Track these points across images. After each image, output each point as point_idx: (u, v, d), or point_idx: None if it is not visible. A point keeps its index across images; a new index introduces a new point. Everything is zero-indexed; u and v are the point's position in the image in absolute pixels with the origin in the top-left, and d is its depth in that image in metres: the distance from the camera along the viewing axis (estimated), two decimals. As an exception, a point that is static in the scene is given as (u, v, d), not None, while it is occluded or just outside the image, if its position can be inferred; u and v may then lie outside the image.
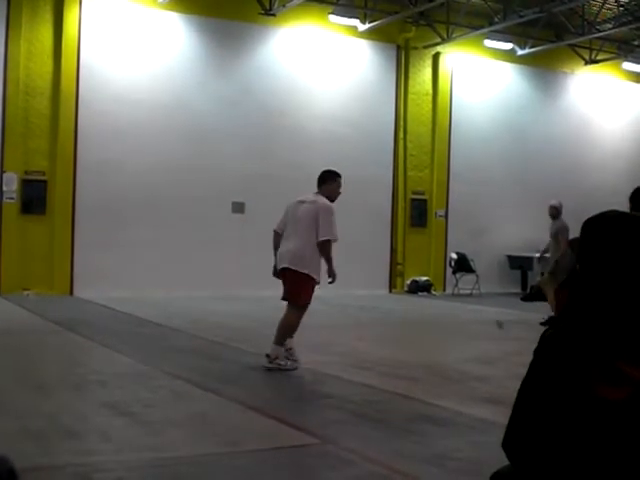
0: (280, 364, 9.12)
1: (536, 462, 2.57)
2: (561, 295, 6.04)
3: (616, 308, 2.58)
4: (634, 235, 2.67)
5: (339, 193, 9.58)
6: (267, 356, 9.20)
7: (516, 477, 2.65)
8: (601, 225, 2.75)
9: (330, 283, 9.27)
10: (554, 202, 15.29)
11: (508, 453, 2.68)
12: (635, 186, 7.05)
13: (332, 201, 9.44)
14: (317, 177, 9.62)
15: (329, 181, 9.52)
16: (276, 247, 9.47)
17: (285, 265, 9.25)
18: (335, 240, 9.25)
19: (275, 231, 9.56)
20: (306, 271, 9.15)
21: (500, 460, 2.74)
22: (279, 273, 9.42)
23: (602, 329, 2.54)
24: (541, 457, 2.56)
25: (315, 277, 9.24)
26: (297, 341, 9.40)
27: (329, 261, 9.27)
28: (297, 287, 9.26)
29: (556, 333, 2.65)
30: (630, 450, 2.42)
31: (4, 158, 17.34)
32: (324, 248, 9.18)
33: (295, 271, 9.18)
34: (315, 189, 9.47)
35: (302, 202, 9.45)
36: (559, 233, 14.77)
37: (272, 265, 9.56)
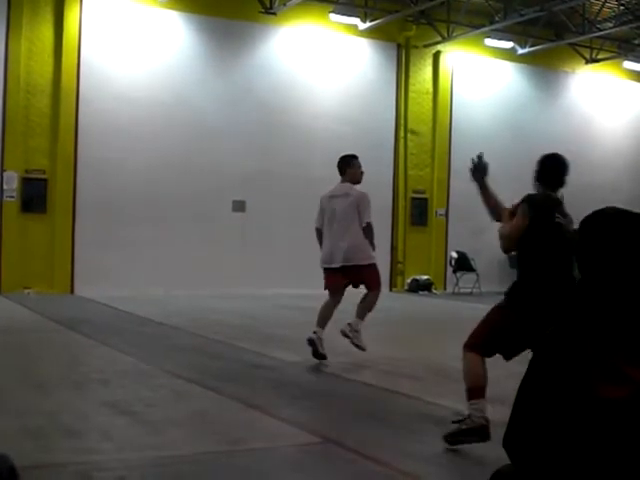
0: (356, 338, 9.52)
1: (537, 461, 2.57)
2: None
3: (616, 307, 2.58)
4: (633, 232, 2.67)
5: (362, 173, 10.14)
6: (349, 324, 9.61)
7: (517, 476, 2.65)
8: (600, 222, 2.74)
9: None
10: None
11: (509, 452, 2.68)
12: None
13: (358, 182, 10.04)
14: (336, 166, 10.15)
15: (348, 167, 10.03)
16: (321, 242, 10.00)
17: (348, 263, 9.68)
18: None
19: (317, 228, 10.09)
20: (369, 261, 9.74)
21: (501, 459, 2.74)
22: (333, 269, 9.77)
23: (603, 329, 2.54)
24: (542, 456, 2.56)
25: (374, 260, 9.85)
26: (295, 339, 9.38)
27: (372, 243, 9.77)
28: (370, 277, 9.81)
29: (556, 332, 2.65)
30: (630, 449, 2.42)
31: (4, 156, 17.34)
32: (369, 231, 9.68)
33: (361, 266, 9.71)
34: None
35: (334, 196, 9.98)
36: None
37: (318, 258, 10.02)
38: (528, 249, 5.97)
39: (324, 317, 9.72)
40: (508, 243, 6.09)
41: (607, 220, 2.74)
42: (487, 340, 5.88)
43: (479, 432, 5.69)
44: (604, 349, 2.49)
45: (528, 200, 6.12)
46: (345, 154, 10.31)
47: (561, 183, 6.23)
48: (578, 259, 2.76)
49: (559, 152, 6.43)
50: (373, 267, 9.82)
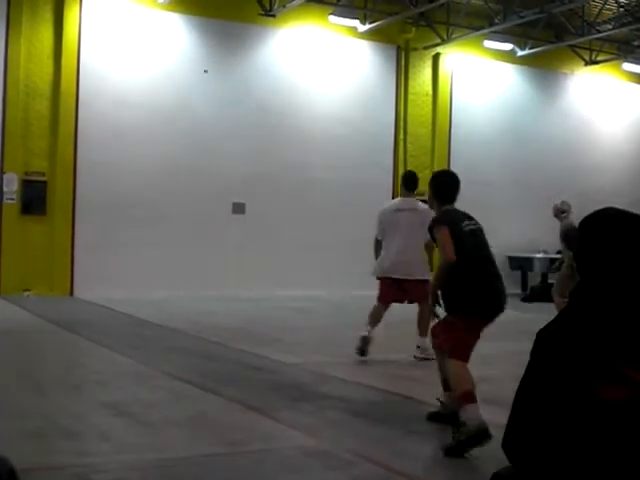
0: (429, 355, 9.42)
1: (536, 462, 2.57)
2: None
3: (616, 308, 2.57)
4: (632, 233, 2.66)
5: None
6: (418, 347, 9.96)
7: (516, 478, 2.64)
8: (599, 223, 2.73)
9: None
10: (556, 202, 15.20)
11: (508, 454, 2.67)
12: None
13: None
14: (406, 180, 10.57)
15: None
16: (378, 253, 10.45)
17: (410, 277, 10.17)
18: None
19: (376, 239, 10.49)
20: (426, 277, 10.06)
21: (501, 460, 2.73)
22: (395, 280, 10.24)
23: (603, 330, 2.53)
24: (541, 457, 2.55)
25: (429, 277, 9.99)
26: (294, 341, 9.36)
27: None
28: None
29: (554, 333, 2.64)
30: (630, 451, 2.41)
31: (4, 159, 17.34)
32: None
33: (420, 280, 10.07)
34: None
35: (399, 210, 10.34)
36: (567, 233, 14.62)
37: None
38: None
39: (376, 318, 10.23)
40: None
41: (607, 221, 2.73)
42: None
43: (478, 437, 5.67)
44: (604, 350, 2.48)
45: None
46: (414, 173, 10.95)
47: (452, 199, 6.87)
48: (577, 260, 2.75)
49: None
50: (427, 283, 9.95)
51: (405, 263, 10.14)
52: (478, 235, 6.58)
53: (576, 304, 2.67)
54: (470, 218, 6.68)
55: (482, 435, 5.65)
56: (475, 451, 5.71)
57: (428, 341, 9.54)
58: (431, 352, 9.36)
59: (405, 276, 10.18)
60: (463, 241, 6.34)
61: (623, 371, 2.44)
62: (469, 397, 5.88)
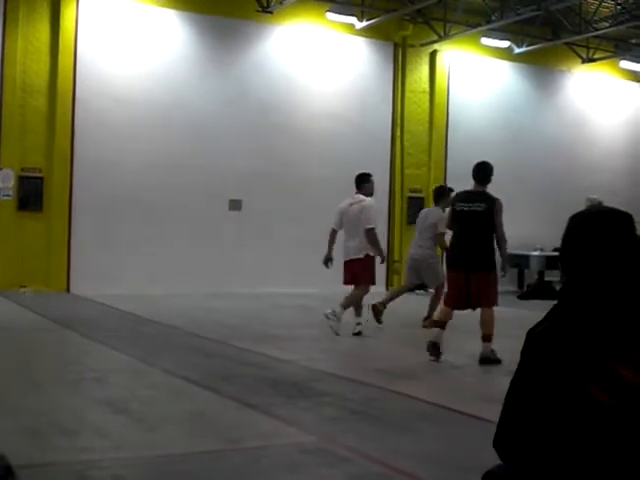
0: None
1: (527, 461, 2.58)
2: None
3: (603, 306, 2.58)
4: (617, 230, 2.67)
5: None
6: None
7: (508, 476, 2.65)
8: (584, 221, 2.74)
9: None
10: (591, 196, 15.39)
11: (499, 452, 2.68)
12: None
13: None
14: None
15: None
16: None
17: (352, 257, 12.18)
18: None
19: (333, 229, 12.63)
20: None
21: (496, 458, 2.74)
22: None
23: (591, 328, 2.54)
24: (532, 456, 2.56)
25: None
26: (291, 338, 9.34)
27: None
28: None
29: (544, 332, 2.65)
30: (621, 449, 2.42)
31: (1, 155, 17.30)
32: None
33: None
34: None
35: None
36: None
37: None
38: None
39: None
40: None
41: (591, 219, 2.74)
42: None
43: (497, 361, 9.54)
44: (593, 348, 2.49)
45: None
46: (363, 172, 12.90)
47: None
48: (562, 259, 2.75)
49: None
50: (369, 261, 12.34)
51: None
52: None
53: (564, 302, 2.68)
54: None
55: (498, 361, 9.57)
56: (469, 449, 5.72)
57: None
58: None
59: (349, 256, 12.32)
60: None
61: (612, 369, 2.45)
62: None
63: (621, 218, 2.70)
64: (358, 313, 12.13)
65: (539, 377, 2.57)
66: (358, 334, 11.88)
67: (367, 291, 12.24)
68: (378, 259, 12.14)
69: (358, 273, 12.10)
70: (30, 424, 6.34)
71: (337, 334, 11.66)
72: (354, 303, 12.12)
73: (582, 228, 2.71)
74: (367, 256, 12.06)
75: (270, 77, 19.81)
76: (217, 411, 7.28)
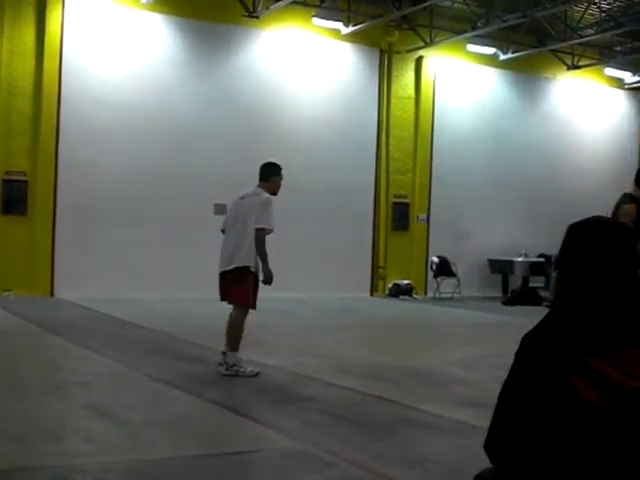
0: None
1: (518, 464, 2.59)
2: None
3: (595, 310, 2.60)
4: (616, 240, 2.70)
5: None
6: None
7: (498, 480, 2.66)
8: (584, 230, 2.78)
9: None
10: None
11: (490, 455, 2.69)
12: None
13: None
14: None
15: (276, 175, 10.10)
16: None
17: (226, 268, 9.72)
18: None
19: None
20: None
21: (482, 463, 2.75)
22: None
23: (572, 326, 2.57)
24: (523, 459, 2.57)
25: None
26: (276, 344, 9.35)
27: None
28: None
29: (537, 336, 2.67)
30: (610, 450, 2.43)
31: (-15, 158, 17.25)
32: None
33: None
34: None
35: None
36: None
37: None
38: None
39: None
40: None
41: (588, 229, 2.77)
42: None
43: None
44: (583, 351, 2.51)
45: None
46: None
47: None
48: (560, 267, 2.78)
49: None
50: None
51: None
52: None
53: (559, 308, 2.71)
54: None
55: None
56: (457, 454, 5.73)
57: None
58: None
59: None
60: None
61: (591, 365, 2.47)
62: None
63: (620, 229, 2.75)
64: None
65: (530, 380, 2.59)
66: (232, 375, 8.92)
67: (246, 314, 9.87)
68: (260, 276, 9.73)
69: (229, 289, 9.67)
70: (14, 428, 6.31)
71: (257, 373, 9.01)
72: (235, 332, 9.57)
73: (582, 237, 2.75)
74: (241, 269, 9.53)
75: (256, 81, 19.80)
76: (201, 416, 7.27)
